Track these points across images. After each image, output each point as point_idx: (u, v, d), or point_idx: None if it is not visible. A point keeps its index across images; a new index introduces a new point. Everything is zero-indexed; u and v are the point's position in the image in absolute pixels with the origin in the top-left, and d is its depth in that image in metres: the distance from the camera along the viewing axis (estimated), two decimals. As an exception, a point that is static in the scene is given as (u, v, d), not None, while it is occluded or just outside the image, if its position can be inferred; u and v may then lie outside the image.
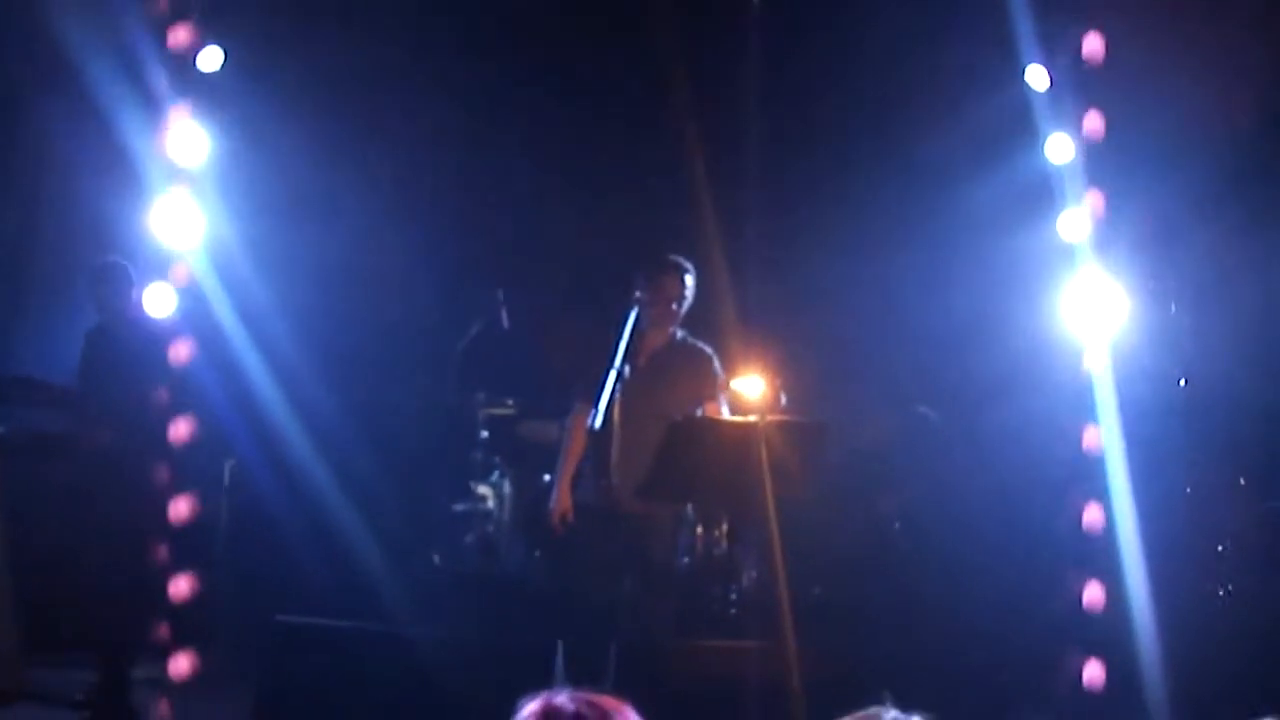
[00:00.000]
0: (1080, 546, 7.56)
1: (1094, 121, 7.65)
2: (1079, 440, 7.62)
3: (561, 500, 7.43)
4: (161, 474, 7.31)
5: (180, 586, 7.24)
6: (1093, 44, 7.57)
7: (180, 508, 7.26)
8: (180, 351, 7.44)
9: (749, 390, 8.19)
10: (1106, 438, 7.57)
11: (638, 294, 7.23)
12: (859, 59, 9.66)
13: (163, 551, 7.30)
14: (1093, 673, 7.31)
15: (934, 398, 9.65)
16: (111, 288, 8.06)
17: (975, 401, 9.36)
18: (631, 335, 6.98)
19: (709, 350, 7.43)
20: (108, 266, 8.14)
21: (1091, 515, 7.43)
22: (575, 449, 7.45)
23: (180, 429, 7.30)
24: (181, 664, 7.26)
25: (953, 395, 9.59)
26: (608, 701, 2.70)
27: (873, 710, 2.68)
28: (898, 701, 2.70)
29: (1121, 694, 7.49)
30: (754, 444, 6.20)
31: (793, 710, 5.95)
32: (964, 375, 9.36)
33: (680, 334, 7.40)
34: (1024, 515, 8.52)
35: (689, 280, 7.33)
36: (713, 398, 7.31)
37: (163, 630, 7.27)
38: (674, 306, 7.30)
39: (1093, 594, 7.41)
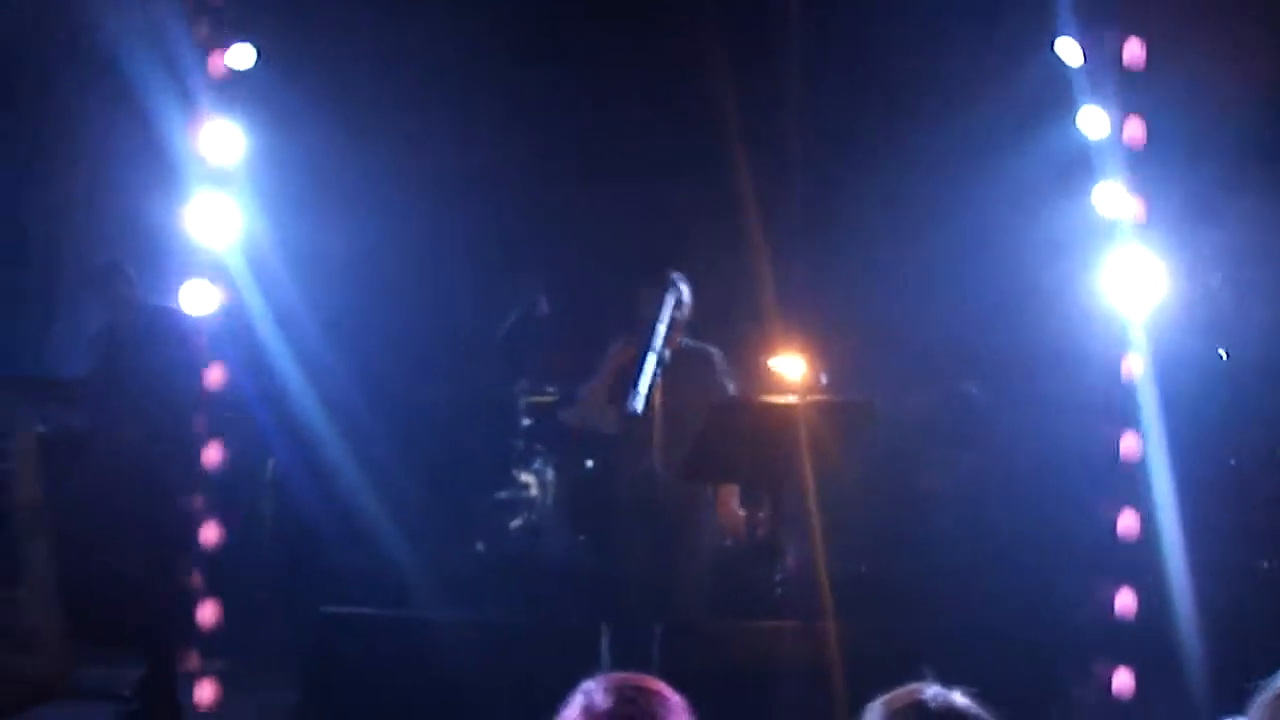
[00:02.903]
0: (1121, 527, 7.53)
1: (1134, 129, 7.59)
2: (1121, 417, 7.59)
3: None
4: (191, 470, 7.32)
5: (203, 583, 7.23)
6: (1134, 49, 7.52)
7: (209, 511, 7.24)
8: (207, 347, 7.43)
9: (789, 370, 8.18)
10: (1147, 415, 7.54)
11: (673, 275, 7.16)
12: (895, 36, 9.61)
13: (194, 545, 7.32)
14: (1133, 652, 7.28)
15: (974, 374, 9.61)
16: (120, 287, 8.11)
17: (1016, 377, 9.32)
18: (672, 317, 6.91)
19: (711, 349, 7.38)
20: (109, 267, 8.20)
21: (1132, 500, 7.39)
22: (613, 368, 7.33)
23: (210, 423, 7.28)
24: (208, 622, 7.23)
25: (993, 371, 9.55)
26: (651, 696, 2.69)
27: (914, 686, 2.69)
28: (939, 677, 2.71)
29: (1163, 671, 7.46)
30: (794, 425, 6.19)
31: (834, 688, 5.96)
32: (1004, 351, 9.31)
33: (686, 342, 7.31)
34: (1067, 492, 8.48)
35: (684, 289, 7.22)
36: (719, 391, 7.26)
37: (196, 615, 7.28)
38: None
39: (1131, 585, 7.38)
